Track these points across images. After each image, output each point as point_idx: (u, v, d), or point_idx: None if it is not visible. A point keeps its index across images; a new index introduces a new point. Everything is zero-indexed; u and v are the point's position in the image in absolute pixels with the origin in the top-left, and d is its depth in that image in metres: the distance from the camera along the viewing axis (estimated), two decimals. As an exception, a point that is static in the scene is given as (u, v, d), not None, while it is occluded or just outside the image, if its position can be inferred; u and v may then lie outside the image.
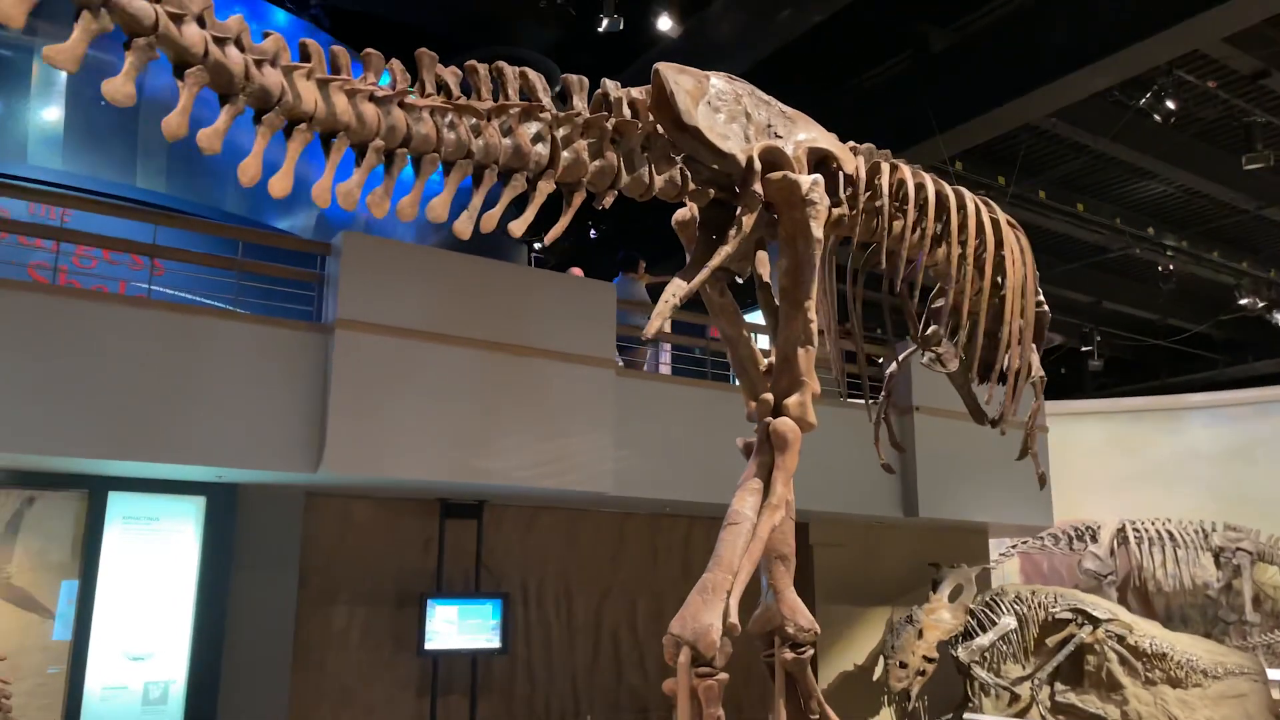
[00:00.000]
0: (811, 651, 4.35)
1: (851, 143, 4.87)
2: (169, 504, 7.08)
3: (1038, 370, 5.90)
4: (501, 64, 3.54)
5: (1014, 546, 15.89)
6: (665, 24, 9.39)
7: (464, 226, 3.24)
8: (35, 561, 6.71)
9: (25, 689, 6.46)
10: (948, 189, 5.07)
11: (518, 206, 3.66)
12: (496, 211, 3.42)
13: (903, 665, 9.43)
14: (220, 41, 2.15)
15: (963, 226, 5.05)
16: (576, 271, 9.77)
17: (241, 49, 2.26)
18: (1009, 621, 9.97)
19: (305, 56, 2.51)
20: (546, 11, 9.07)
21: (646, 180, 3.97)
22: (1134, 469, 16.06)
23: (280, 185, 2.37)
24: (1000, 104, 9.32)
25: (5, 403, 5.98)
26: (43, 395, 6.07)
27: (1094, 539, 15.46)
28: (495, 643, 7.96)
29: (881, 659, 10.42)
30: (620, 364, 9.07)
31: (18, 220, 6.94)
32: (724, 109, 4.19)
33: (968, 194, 5.18)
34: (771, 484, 4.00)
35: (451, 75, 3.26)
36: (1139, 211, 13.80)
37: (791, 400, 4.12)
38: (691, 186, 4.19)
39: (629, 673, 9.24)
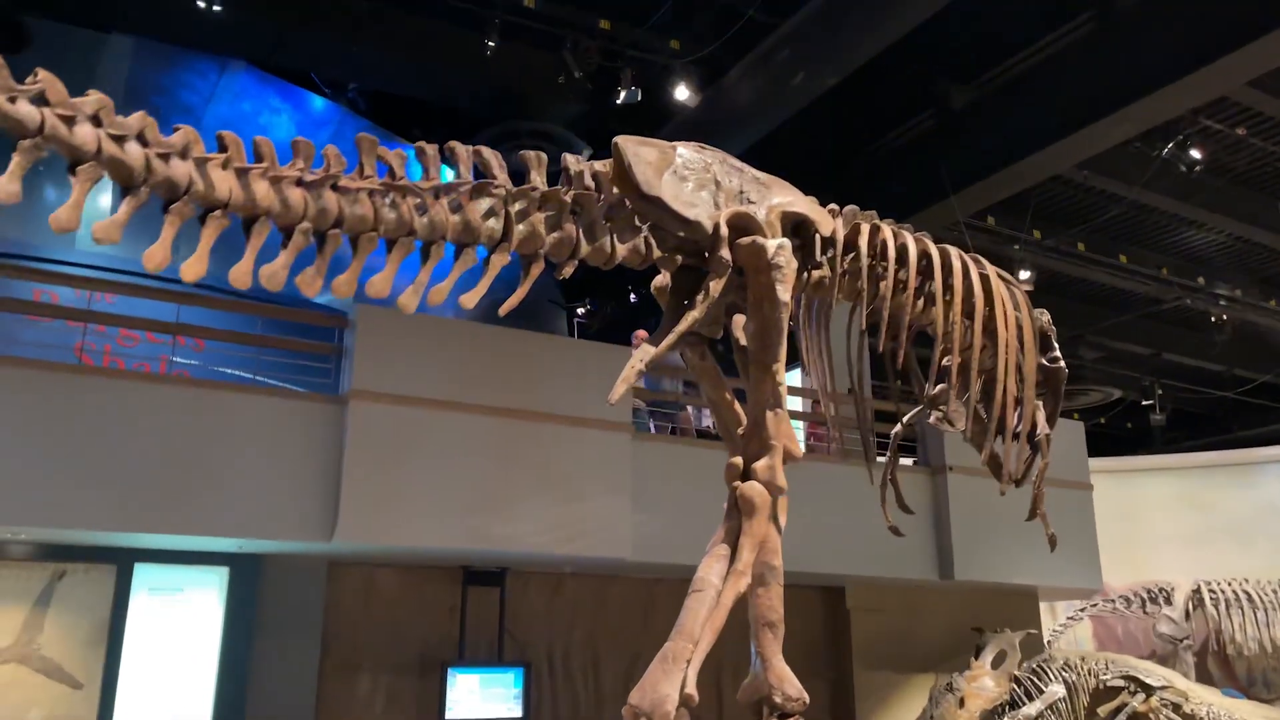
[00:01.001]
0: (800, 721, 4.24)
1: (833, 205, 4.89)
2: (193, 575, 7.26)
3: (1043, 428, 5.76)
4: (454, 144, 3.65)
5: (1083, 610, 15.33)
6: (683, 94, 9.58)
7: (408, 301, 3.33)
8: (65, 633, 6.92)
9: (52, 758, 6.63)
10: (932, 247, 5.05)
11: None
12: (446, 285, 3.51)
13: (943, 736, 9.09)
14: (118, 139, 2.29)
15: (948, 284, 5.01)
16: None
17: (145, 144, 2.40)
18: (1057, 689, 9.55)
19: (222, 147, 2.65)
20: (565, 87, 9.34)
21: (609, 250, 4.03)
22: (1207, 526, 15.50)
23: (192, 270, 2.49)
24: (1018, 159, 9.25)
25: (35, 479, 6.25)
26: (71, 471, 6.33)
27: (1168, 601, 14.86)
28: (517, 711, 7.91)
29: (923, 729, 10.06)
30: (652, 428, 9.11)
31: (26, 301, 7.31)
32: (692, 177, 4.25)
33: (955, 251, 5.14)
34: (738, 550, 3.98)
35: (396, 158, 3.37)
36: (1189, 261, 13.47)
37: (760, 464, 4.09)
38: (657, 254, 4.24)
39: (660, 743, 9.06)
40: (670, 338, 4.23)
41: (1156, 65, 8.20)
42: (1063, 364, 5.97)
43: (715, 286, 4.18)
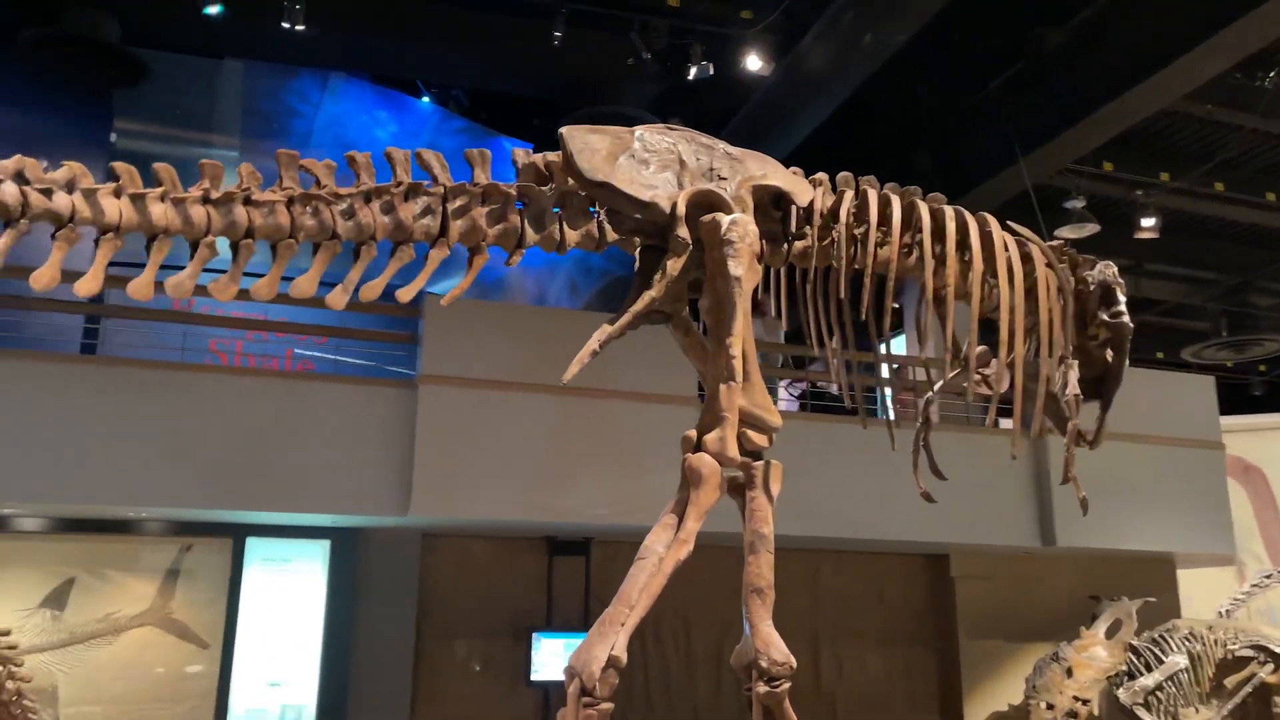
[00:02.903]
0: (787, 685, 4.34)
1: (817, 175, 4.89)
2: (299, 547, 8.03)
3: (1073, 388, 5.53)
4: (391, 149, 3.95)
5: (1269, 577, 14.31)
6: (755, 64, 9.53)
7: (336, 299, 3.66)
8: (192, 599, 7.85)
9: (182, 712, 7.57)
10: (922, 207, 4.95)
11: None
12: (380, 282, 3.81)
13: (1049, 706, 8.77)
14: (-10, 183, 2.71)
15: (939, 241, 4.90)
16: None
17: (25, 181, 2.81)
18: (1178, 660, 9.02)
19: (114, 177, 3.04)
20: (636, 68, 9.49)
21: (558, 237, 4.22)
22: None
23: (86, 286, 2.90)
24: (1110, 100, 8.67)
25: (165, 466, 7.11)
26: (193, 458, 7.14)
27: (1374, 566, 13.61)
28: (602, 675, 8.27)
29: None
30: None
31: (135, 307, 8.20)
32: (653, 160, 4.39)
33: (951, 210, 5.02)
34: (683, 520, 4.13)
35: (324, 168, 3.69)
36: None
37: (710, 436, 4.22)
38: (613, 237, 4.40)
39: (755, 708, 9.23)
40: (626, 317, 4.40)
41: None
42: (1126, 319, 5.67)
43: (673, 265, 4.30)
